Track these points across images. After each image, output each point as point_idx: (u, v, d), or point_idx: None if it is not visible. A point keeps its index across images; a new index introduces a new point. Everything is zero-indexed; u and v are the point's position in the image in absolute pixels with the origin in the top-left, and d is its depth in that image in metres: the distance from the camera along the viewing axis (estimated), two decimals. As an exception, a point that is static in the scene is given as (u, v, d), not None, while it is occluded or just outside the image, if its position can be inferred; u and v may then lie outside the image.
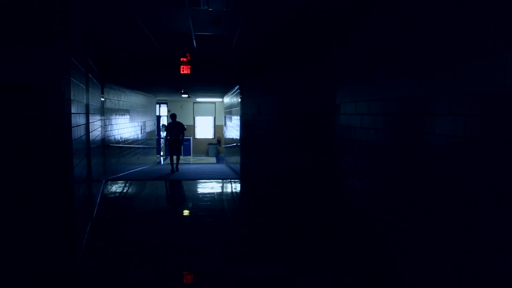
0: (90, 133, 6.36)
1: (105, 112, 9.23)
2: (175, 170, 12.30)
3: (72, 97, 4.41)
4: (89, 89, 6.37)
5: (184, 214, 6.96)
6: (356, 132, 4.42)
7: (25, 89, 2.89)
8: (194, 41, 6.76)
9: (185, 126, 13.11)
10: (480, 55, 2.48)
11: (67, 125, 4.13)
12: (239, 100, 10.99)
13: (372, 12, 4.06)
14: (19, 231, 2.76)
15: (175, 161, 12.47)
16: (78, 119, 4.91)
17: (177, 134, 12.22)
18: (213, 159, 19.51)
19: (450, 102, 2.78)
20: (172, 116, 12.59)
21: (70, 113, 4.24)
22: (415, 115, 3.25)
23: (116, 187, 9.09)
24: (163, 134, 12.61)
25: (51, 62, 3.61)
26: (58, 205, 3.83)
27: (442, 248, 2.89)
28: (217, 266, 4.40)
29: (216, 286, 3.93)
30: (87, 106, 6.02)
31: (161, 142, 19.84)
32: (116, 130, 10.49)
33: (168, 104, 21.52)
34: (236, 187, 9.47)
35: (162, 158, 19.38)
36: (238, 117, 11.27)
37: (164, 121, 21.60)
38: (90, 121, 6.28)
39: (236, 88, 11.44)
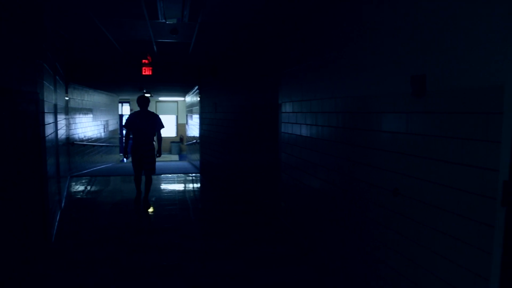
0: (58, 131, 6.89)
1: (69, 111, 9.68)
2: (141, 204, 7.04)
3: (44, 98, 5.00)
4: (57, 89, 6.91)
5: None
6: (293, 128, 5.28)
7: (9, 91, 3.51)
8: (155, 46, 7.43)
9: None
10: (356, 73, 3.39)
11: (42, 123, 4.73)
12: (198, 99, 11.70)
13: (289, 40, 4.92)
14: (4, 211, 3.37)
15: (143, 186, 7.17)
16: (49, 118, 5.48)
17: (148, 133, 6.93)
18: (176, 157, 20.06)
19: (336, 104, 3.68)
20: (141, 101, 7.04)
21: (43, 112, 4.84)
22: (330, 112, 4.13)
23: (82, 183, 9.57)
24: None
25: (28, 67, 4.22)
26: (35, 193, 4.43)
27: (357, 220, 3.79)
28: (176, 242, 5.14)
29: (173, 257, 4.66)
30: (55, 106, 6.56)
31: (123, 140, 19.02)
32: (80, 129, 10.93)
33: (131, 102, 21.82)
34: (196, 180, 10.19)
35: (125, 158, 19.63)
36: (198, 116, 11.97)
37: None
38: (57, 120, 6.82)
39: (195, 88, 12.13)
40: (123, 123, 7.30)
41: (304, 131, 4.87)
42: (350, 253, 3.75)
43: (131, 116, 7.05)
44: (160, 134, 7.08)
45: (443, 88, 2.43)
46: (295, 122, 5.20)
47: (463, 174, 2.27)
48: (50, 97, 5.80)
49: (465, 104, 2.25)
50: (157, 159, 7.22)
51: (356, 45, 3.54)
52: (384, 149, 3.10)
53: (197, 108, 12.43)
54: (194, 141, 13.12)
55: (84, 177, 10.37)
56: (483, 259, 2.12)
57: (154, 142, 6.95)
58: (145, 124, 6.89)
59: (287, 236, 5.31)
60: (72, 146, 9.94)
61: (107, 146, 14.72)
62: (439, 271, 2.48)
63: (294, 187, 5.27)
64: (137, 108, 7.24)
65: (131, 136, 6.99)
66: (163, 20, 5.23)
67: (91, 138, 12.31)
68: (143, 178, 7.13)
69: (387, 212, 3.06)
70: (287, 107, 5.51)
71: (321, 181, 4.38)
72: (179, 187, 9.20)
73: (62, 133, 7.92)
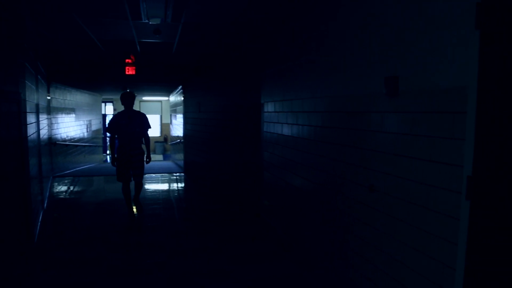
0: (40, 131, 6.85)
1: (51, 110, 9.59)
2: (135, 220, 6.22)
3: (26, 98, 4.99)
4: (39, 89, 6.87)
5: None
6: (275, 127, 5.39)
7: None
8: (138, 46, 7.44)
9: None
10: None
11: (24, 123, 4.72)
12: (182, 99, 11.72)
13: (268, 45, 5.03)
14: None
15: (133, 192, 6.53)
16: (31, 118, 5.47)
17: (136, 136, 6.23)
18: (160, 157, 19.97)
19: (315, 103, 3.80)
20: (125, 98, 6.16)
21: (26, 112, 4.83)
22: (310, 112, 4.25)
23: (64, 183, 9.51)
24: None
25: (10, 67, 4.22)
26: (17, 192, 4.43)
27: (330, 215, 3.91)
28: (161, 241, 5.19)
29: (159, 255, 4.71)
30: (37, 106, 6.52)
31: (107, 141, 18.81)
32: (63, 128, 10.83)
33: (114, 102, 21.65)
34: (180, 179, 10.23)
35: (108, 157, 19.52)
36: (182, 115, 11.99)
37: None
38: (39, 120, 6.78)
39: (179, 88, 12.15)
40: (107, 126, 6.43)
41: (285, 130, 4.98)
42: (331, 245, 3.87)
43: (115, 118, 6.14)
44: (147, 136, 6.38)
45: (414, 88, 2.56)
46: (277, 121, 5.30)
47: (432, 170, 2.40)
48: (32, 97, 5.78)
49: (433, 104, 2.38)
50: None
51: (334, 47, 3.66)
52: (361, 147, 3.23)
53: (181, 107, 12.44)
54: (178, 140, 13.12)
55: (67, 177, 10.29)
56: (450, 250, 2.26)
57: (142, 145, 6.38)
58: (131, 126, 6.10)
59: (270, 233, 5.41)
60: (55, 146, 9.85)
61: (90, 146, 14.59)
62: (413, 264, 2.61)
63: (276, 186, 5.37)
64: (120, 108, 6.49)
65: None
66: (146, 21, 5.27)
67: (73, 138, 12.20)
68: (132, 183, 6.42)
69: (365, 208, 3.19)
70: (269, 107, 5.61)
71: (302, 178, 4.49)
72: (164, 186, 9.22)
73: (44, 133, 7.86)
